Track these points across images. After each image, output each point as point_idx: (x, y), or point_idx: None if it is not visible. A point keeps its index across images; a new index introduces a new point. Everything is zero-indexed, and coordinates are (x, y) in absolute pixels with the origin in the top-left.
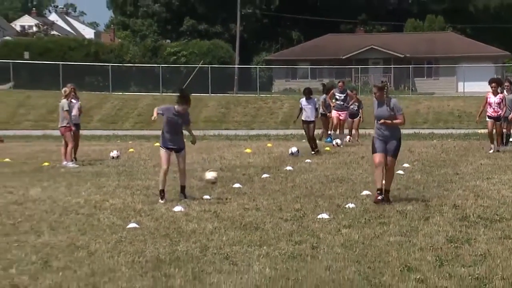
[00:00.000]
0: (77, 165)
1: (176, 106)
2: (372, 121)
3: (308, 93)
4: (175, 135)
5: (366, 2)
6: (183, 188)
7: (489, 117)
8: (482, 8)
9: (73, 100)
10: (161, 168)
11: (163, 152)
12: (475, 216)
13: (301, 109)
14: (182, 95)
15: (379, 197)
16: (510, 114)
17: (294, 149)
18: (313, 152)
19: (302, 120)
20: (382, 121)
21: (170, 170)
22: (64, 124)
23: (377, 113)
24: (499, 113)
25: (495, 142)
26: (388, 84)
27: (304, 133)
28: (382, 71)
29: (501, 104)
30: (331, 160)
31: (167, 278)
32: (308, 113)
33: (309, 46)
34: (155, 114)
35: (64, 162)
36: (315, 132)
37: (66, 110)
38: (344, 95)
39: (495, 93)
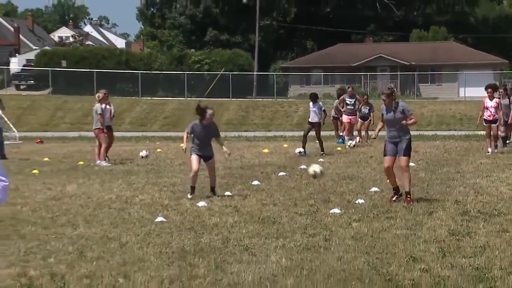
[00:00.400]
0: (110, 164)
1: (199, 121)
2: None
3: (314, 97)
4: (204, 145)
5: (375, 14)
6: (213, 188)
7: (486, 120)
8: (481, 20)
9: (107, 106)
10: (192, 170)
11: (194, 157)
12: (475, 211)
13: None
14: (196, 109)
15: (394, 198)
16: (509, 118)
17: (299, 150)
18: (322, 153)
19: (308, 121)
20: (404, 122)
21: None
22: (98, 126)
23: (387, 118)
24: (495, 117)
25: (492, 144)
26: (395, 89)
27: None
28: (389, 78)
29: (497, 108)
30: (342, 160)
31: (191, 268)
32: (312, 115)
33: (322, 54)
34: (184, 145)
35: (98, 161)
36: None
37: (100, 114)
38: (354, 100)
39: (491, 98)
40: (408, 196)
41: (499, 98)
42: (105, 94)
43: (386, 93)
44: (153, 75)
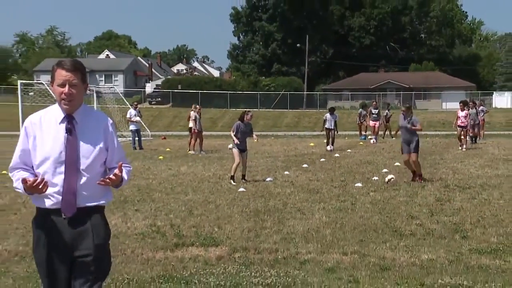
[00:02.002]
0: (206, 153)
1: (241, 122)
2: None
3: (332, 110)
4: (243, 141)
5: (385, 53)
6: (244, 176)
7: (458, 126)
8: (457, 57)
9: (196, 115)
10: (235, 162)
11: (236, 151)
12: (453, 185)
13: (324, 121)
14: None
15: (417, 179)
16: (475, 121)
17: (329, 147)
18: (329, 150)
19: (325, 128)
20: (413, 127)
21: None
22: (192, 127)
23: (402, 124)
24: (465, 124)
25: (464, 142)
26: (412, 106)
27: (325, 134)
28: (395, 96)
29: (467, 117)
30: (363, 151)
31: (262, 222)
32: (331, 123)
33: (349, 80)
34: (236, 140)
35: (191, 152)
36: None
37: (193, 120)
38: (377, 110)
39: (462, 109)
40: (420, 177)
41: (468, 109)
42: (198, 108)
43: (406, 106)
44: (237, 94)
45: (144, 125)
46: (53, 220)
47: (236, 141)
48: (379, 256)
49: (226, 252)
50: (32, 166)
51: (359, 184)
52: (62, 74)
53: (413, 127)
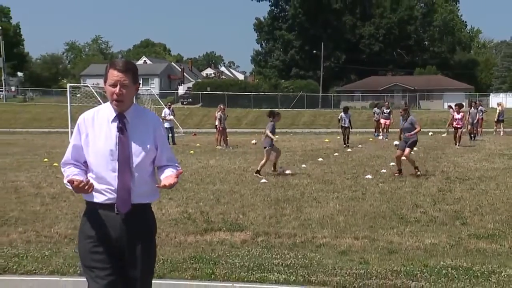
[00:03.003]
0: (232, 148)
1: (273, 121)
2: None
3: (346, 109)
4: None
5: (392, 58)
6: (275, 164)
7: (454, 127)
8: (457, 62)
9: (221, 114)
10: (266, 159)
11: (269, 149)
12: (454, 177)
13: (339, 119)
14: (270, 113)
15: (396, 174)
16: (474, 120)
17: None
18: (344, 146)
19: (341, 126)
20: (408, 134)
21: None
22: (218, 124)
23: (402, 125)
24: (460, 125)
25: (458, 140)
26: (409, 106)
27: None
28: (401, 97)
29: (462, 119)
30: (372, 146)
31: (282, 209)
32: (346, 122)
33: (360, 82)
34: (275, 138)
35: (219, 147)
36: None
37: (219, 119)
38: (389, 110)
39: (458, 112)
40: (416, 169)
41: (472, 109)
42: (223, 108)
43: (403, 108)
44: (260, 95)
45: (177, 123)
46: (105, 215)
47: (275, 139)
48: (387, 241)
49: (249, 237)
50: (84, 162)
51: (369, 176)
52: (114, 74)
53: (410, 134)
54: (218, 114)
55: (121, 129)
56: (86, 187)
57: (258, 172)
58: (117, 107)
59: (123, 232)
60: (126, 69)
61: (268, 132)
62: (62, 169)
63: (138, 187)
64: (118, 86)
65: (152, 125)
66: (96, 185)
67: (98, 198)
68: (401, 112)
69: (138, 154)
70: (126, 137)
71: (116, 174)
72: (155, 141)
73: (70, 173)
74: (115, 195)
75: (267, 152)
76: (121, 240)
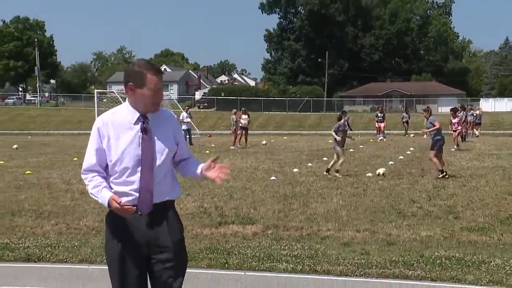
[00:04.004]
0: (244, 148)
1: (343, 121)
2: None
3: (343, 113)
4: (343, 139)
5: (391, 66)
6: (338, 170)
7: (453, 131)
8: (450, 69)
9: (235, 117)
10: (341, 159)
11: (340, 149)
12: (447, 174)
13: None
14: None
15: (440, 176)
16: (462, 120)
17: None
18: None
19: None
20: (423, 130)
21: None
22: (234, 127)
23: (426, 125)
24: (458, 129)
25: (456, 142)
26: (430, 108)
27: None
28: (399, 102)
29: (459, 122)
30: (373, 147)
31: (290, 204)
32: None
33: (362, 88)
34: (338, 138)
35: (232, 147)
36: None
37: (235, 121)
38: (382, 114)
39: (454, 117)
40: (440, 172)
41: (460, 115)
42: (236, 111)
43: (424, 109)
44: (269, 100)
45: (194, 125)
46: (128, 217)
47: (337, 138)
48: (386, 233)
49: (260, 229)
50: (106, 167)
51: (370, 174)
52: (155, 80)
53: (426, 130)
54: (234, 117)
55: (145, 130)
56: (130, 209)
57: (336, 171)
58: (155, 110)
59: (148, 233)
60: (162, 75)
61: (331, 132)
62: (84, 177)
63: (160, 186)
64: (159, 92)
65: (171, 122)
66: (118, 188)
67: (122, 200)
68: (424, 114)
69: (161, 152)
70: (150, 137)
71: (139, 174)
72: (176, 138)
73: (99, 184)
74: (137, 195)
75: (338, 151)
76: (148, 243)
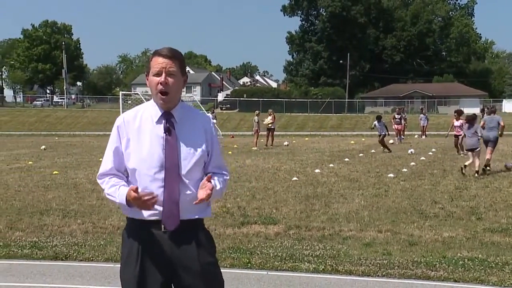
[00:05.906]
0: (267, 148)
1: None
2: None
3: (379, 118)
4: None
5: (413, 68)
6: (480, 165)
7: (455, 136)
8: (472, 70)
9: (256, 118)
10: (477, 160)
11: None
12: (470, 175)
13: (373, 128)
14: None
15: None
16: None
17: (411, 150)
18: (386, 151)
19: (378, 134)
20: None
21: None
22: (256, 128)
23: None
24: (460, 133)
25: (460, 148)
26: (463, 111)
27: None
28: (421, 103)
29: (462, 126)
30: (393, 148)
31: (312, 205)
32: (380, 130)
33: (383, 89)
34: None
35: (255, 148)
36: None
37: (257, 122)
38: (400, 116)
39: (457, 119)
40: (484, 167)
41: (462, 119)
42: (258, 113)
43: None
44: (291, 101)
45: (217, 126)
46: (150, 233)
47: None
48: (408, 234)
49: (282, 229)
50: (125, 171)
51: (391, 175)
52: (158, 61)
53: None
54: (255, 118)
55: (169, 130)
56: (153, 200)
57: (485, 167)
58: (163, 102)
59: (173, 253)
60: (173, 55)
61: (478, 131)
62: (101, 181)
63: (188, 198)
64: (163, 74)
65: (202, 125)
66: None
67: (143, 213)
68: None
69: (188, 158)
70: (174, 139)
71: (163, 183)
72: (207, 145)
73: (116, 183)
74: (161, 209)
75: (474, 153)
76: (171, 265)
